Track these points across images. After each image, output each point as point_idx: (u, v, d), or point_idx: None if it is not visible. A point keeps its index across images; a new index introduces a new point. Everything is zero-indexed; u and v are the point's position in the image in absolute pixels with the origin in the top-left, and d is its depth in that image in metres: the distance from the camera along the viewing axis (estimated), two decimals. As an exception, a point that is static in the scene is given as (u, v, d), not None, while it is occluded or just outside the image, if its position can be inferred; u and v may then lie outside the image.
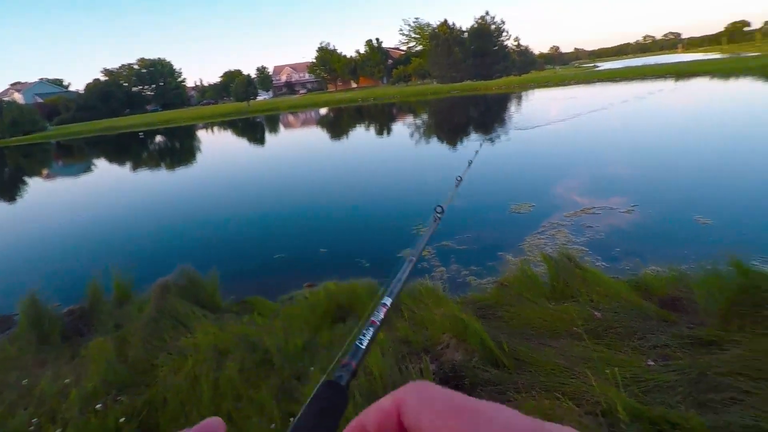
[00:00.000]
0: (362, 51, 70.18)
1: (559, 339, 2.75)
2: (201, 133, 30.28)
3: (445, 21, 51.24)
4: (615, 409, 1.79)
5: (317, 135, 21.11)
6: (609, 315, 2.94)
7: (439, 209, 1.91)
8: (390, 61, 70.41)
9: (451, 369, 2.58)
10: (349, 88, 72.58)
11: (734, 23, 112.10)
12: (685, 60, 45.03)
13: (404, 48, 75.40)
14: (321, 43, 72.17)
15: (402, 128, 19.77)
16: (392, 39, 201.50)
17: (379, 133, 19.22)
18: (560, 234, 5.16)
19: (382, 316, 1.18)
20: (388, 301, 1.29)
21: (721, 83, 22.61)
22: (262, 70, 75.03)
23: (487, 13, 50.01)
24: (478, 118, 20.93)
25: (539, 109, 21.35)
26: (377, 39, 68.14)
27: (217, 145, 23.73)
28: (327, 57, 70.90)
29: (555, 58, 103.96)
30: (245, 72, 69.44)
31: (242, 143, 23.06)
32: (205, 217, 8.17)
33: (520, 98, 28.02)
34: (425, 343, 2.85)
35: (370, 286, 3.84)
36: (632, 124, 13.58)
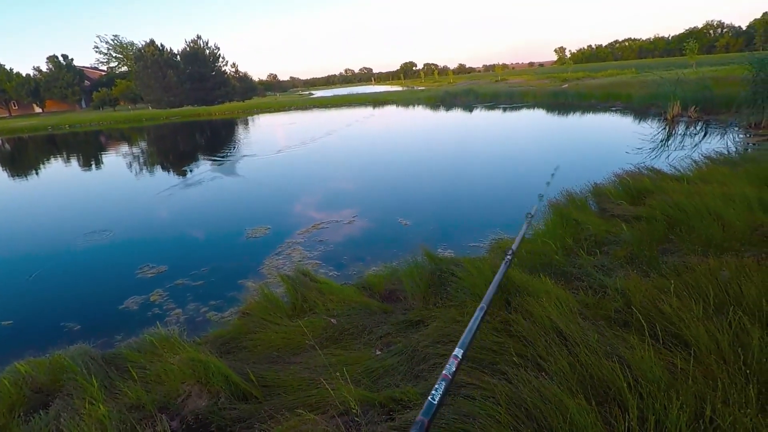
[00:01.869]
0: (44, 68, 57.51)
1: (302, 354, 2.86)
2: None
3: (152, 41, 47.19)
4: (349, 406, 1.97)
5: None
6: (343, 319, 3.24)
7: (510, 252, 1.77)
8: (87, 82, 60.10)
9: (195, 420, 2.35)
10: (32, 113, 58.39)
11: (405, 63, 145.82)
12: (378, 90, 54.74)
13: (104, 68, 65.82)
14: (-25, 56, 55.23)
15: (116, 159, 17.11)
16: (85, 57, 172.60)
17: (85, 165, 16.13)
18: (296, 252, 5.43)
19: (454, 369, 0.95)
20: (459, 352, 1.05)
21: (405, 109, 28.43)
22: None
23: (199, 37, 48.53)
24: (206, 145, 20.05)
25: (272, 135, 22.11)
26: (64, 55, 57.14)
27: None
28: (-12, 74, 55.04)
29: (274, 85, 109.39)
30: None
31: None
32: None
33: (247, 123, 28.32)
34: (162, 401, 2.50)
35: (84, 352, 3.14)
36: (356, 144, 15.67)
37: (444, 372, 0.93)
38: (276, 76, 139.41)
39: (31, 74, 57.94)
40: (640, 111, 16.27)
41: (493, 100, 26.87)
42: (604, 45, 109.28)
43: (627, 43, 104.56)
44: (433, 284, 3.54)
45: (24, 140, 28.72)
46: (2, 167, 17.71)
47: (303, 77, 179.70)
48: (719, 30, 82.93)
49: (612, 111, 17.56)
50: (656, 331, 2.19)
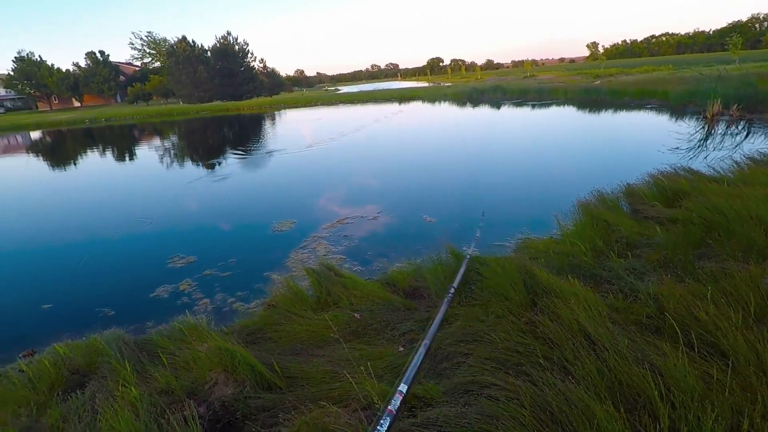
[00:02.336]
0: (83, 64, 59.64)
1: (325, 347, 2.88)
2: None
3: (184, 37, 48.28)
4: (372, 401, 1.98)
5: (26, 165, 16.79)
6: (366, 314, 3.25)
7: (452, 289, 1.74)
8: (122, 77, 62.03)
9: (221, 406, 2.40)
10: (71, 107, 60.70)
11: (432, 59, 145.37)
12: (404, 86, 54.61)
13: (138, 64, 67.79)
14: (19, 52, 57.53)
15: (149, 152, 17.62)
16: (121, 53, 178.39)
17: (120, 157, 16.69)
18: (321, 246, 5.47)
19: (398, 404, 0.97)
20: (403, 388, 1.08)
21: (431, 106, 28.23)
22: None
23: (229, 33, 49.38)
24: (235, 140, 20.41)
25: (300, 130, 22.35)
26: (101, 51, 59.09)
27: None
28: (32, 69, 57.25)
29: (301, 80, 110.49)
30: None
31: None
32: None
33: (274, 119, 28.69)
34: (190, 387, 2.57)
35: (117, 337, 3.26)
36: (384, 140, 15.67)
37: (389, 407, 0.89)
38: (303, 71, 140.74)
39: (71, 69, 60.24)
40: (677, 109, 15.67)
41: (522, 97, 26.38)
42: (639, 40, 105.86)
43: (664, 38, 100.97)
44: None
45: (63, 133, 29.88)
46: (44, 158, 18.50)
47: (329, 73, 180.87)
48: (765, 23, 79.07)
49: (647, 109, 16.98)
50: (691, 338, 2.11)
